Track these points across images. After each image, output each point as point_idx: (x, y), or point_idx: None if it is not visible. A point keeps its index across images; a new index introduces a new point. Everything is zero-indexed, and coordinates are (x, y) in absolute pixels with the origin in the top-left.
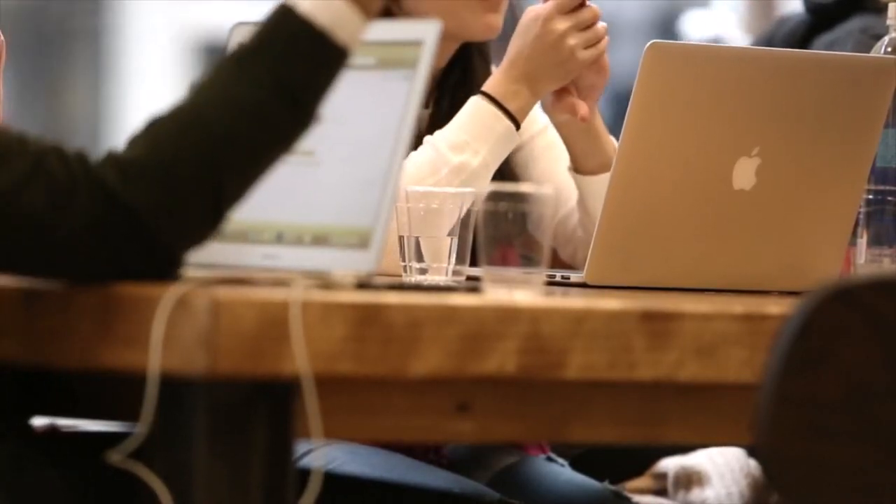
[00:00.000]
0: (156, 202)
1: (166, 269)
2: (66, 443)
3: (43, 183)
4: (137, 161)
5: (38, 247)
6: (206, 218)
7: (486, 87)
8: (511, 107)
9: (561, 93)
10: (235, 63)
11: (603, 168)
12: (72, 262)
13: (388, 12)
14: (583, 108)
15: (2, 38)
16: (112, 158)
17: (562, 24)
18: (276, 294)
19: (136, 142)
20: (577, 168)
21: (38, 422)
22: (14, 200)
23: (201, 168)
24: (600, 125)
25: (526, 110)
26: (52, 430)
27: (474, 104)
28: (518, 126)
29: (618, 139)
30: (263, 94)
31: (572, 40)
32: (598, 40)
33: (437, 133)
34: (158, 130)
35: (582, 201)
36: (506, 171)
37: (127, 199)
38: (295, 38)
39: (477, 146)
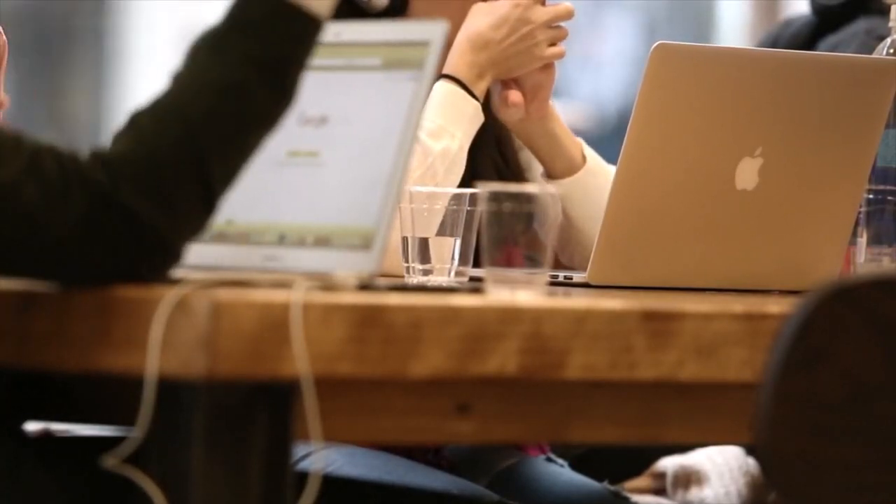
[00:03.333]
0: (147, 198)
1: (166, 263)
2: (62, 446)
3: (37, 182)
4: (123, 157)
5: (32, 246)
6: (199, 206)
7: (453, 71)
8: (477, 91)
9: (503, 86)
10: (209, 46)
11: (570, 171)
12: (65, 263)
13: (392, 13)
14: (513, 94)
15: (4, 38)
16: (97, 156)
17: (540, 16)
18: (277, 296)
19: (120, 138)
20: (548, 173)
21: (33, 426)
22: (8, 198)
23: (186, 157)
24: (560, 127)
25: (484, 91)
26: (47, 435)
27: (445, 90)
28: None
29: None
30: (240, 75)
31: (542, 35)
32: (562, 39)
33: None
34: (140, 124)
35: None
36: (509, 172)
37: (119, 198)
38: (267, 14)
39: (453, 130)
